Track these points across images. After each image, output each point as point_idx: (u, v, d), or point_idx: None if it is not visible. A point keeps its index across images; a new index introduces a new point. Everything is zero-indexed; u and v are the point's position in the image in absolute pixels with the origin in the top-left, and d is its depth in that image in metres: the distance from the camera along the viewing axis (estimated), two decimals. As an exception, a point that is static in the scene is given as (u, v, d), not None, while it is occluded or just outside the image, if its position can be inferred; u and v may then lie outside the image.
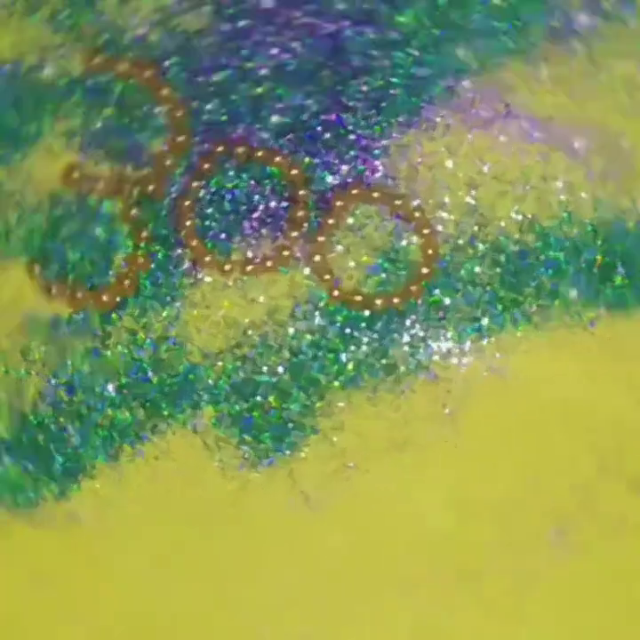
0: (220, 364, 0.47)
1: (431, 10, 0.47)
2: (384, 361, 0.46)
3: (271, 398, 0.46)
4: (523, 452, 0.48)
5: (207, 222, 0.47)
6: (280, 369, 0.46)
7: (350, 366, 0.46)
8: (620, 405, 0.48)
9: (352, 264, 0.47)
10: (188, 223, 0.46)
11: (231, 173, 0.46)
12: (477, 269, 0.46)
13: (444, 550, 0.49)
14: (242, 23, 0.46)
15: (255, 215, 0.46)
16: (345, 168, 0.47)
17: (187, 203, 0.46)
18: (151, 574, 0.51)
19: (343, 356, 0.46)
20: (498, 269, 0.46)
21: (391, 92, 0.46)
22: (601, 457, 0.48)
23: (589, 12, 0.49)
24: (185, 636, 0.51)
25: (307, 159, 0.46)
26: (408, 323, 0.46)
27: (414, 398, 0.48)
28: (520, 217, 0.47)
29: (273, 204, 0.46)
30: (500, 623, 0.49)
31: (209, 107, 0.46)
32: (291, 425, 0.46)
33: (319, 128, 0.46)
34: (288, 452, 0.47)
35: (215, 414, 0.47)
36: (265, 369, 0.47)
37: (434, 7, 0.47)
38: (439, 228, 0.46)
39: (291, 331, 0.47)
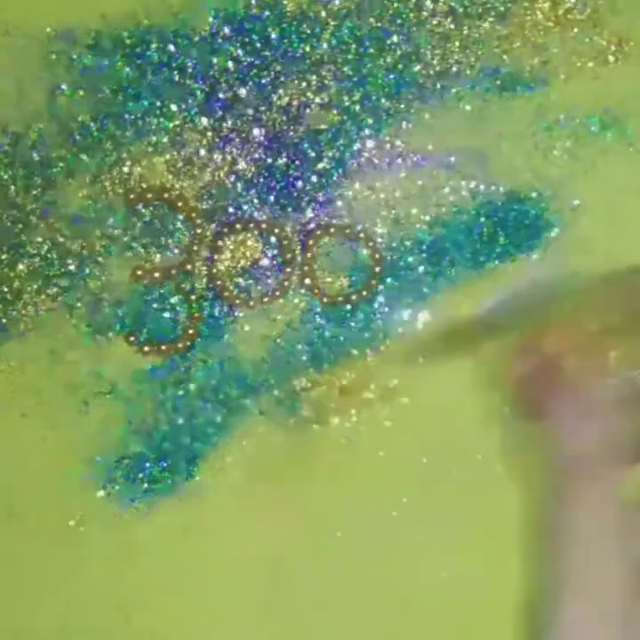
0: (262, 367, 0.69)
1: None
2: (360, 325, 0.69)
3: (304, 380, 0.69)
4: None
5: (232, 278, 0.69)
6: (304, 357, 0.68)
7: (342, 336, 0.69)
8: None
9: (330, 279, 0.69)
10: (219, 282, 0.69)
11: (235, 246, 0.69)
12: (410, 259, 0.69)
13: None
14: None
15: (263, 263, 0.69)
16: (309, 215, 0.69)
17: (214, 271, 0.69)
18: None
19: (338, 331, 0.69)
20: (423, 255, 0.69)
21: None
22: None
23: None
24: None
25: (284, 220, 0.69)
26: (376, 305, 0.69)
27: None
28: (428, 218, 0.69)
29: (270, 254, 0.69)
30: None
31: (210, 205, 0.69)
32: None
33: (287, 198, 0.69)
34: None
35: (275, 397, 0.69)
36: (291, 359, 0.69)
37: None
38: (379, 240, 0.69)
39: (303, 331, 0.68)
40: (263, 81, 0.68)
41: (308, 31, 0.68)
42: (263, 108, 0.68)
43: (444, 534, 0.68)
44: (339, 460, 0.69)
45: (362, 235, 0.69)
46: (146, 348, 0.69)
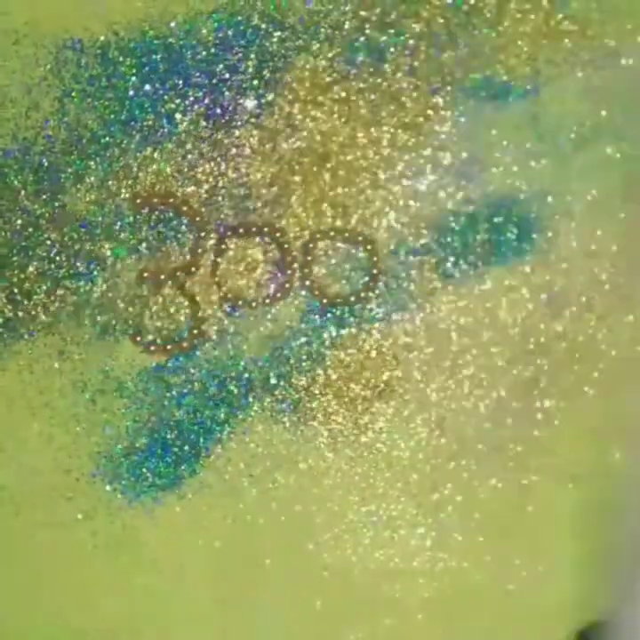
0: (262, 366, 0.71)
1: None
2: (359, 325, 0.70)
3: (304, 379, 0.71)
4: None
5: (235, 280, 0.71)
6: (304, 357, 0.70)
7: (341, 336, 0.71)
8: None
9: (329, 281, 0.71)
10: (222, 284, 0.71)
11: (238, 248, 0.71)
12: (407, 262, 0.70)
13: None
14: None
15: (265, 265, 0.71)
16: (309, 220, 0.70)
17: (218, 272, 0.71)
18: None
19: (337, 331, 0.71)
20: (419, 258, 0.70)
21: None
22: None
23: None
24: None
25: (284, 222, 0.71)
26: (374, 306, 0.70)
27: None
28: (424, 222, 0.70)
29: (271, 257, 0.71)
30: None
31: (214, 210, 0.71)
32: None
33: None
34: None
35: (276, 395, 0.70)
36: (292, 358, 0.70)
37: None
38: (377, 243, 0.70)
39: (303, 327, 0.70)
40: (264, 90, 0.70)
41: (308, 42, 0.70)
42: (265, 116, 0.70)
43: (448, 531, 0.69)
44: (339, 457, 0.70)
45: (360, 238, 0.70)
46: (151, 348, 0.70)
